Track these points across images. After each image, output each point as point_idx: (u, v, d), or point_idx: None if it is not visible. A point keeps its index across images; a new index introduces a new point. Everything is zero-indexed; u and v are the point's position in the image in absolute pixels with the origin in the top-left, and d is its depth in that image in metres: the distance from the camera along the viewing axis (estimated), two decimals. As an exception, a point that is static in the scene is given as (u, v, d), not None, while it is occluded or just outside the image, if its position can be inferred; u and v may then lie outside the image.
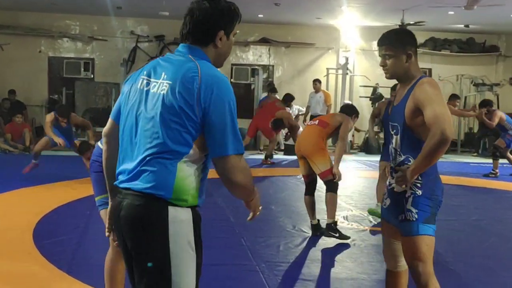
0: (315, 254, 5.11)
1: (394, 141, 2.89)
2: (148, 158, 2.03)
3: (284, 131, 13.96)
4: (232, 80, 15.37)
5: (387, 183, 3.07)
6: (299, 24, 14.79)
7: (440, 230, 6.12)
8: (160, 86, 2.07)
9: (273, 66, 15.65)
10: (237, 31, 2.21)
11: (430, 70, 16.13)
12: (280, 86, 15.04)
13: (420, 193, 2.83)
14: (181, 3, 12.92)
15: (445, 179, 9.10)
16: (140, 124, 2.09)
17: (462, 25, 14.44)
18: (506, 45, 16.19)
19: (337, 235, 5.37)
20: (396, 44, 2.85)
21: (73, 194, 7.34)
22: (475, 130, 15.39)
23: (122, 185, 2.11)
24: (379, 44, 2.90)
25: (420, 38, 15.81)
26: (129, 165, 2.10)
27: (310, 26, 14.91)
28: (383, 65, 2.88)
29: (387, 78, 2.94)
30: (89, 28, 14.71)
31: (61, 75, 14.77)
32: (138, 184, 2.04)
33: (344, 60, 14.44)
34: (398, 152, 2.89)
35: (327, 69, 14.79)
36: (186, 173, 2.04)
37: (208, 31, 2.13)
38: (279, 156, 12.64)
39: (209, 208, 6.53)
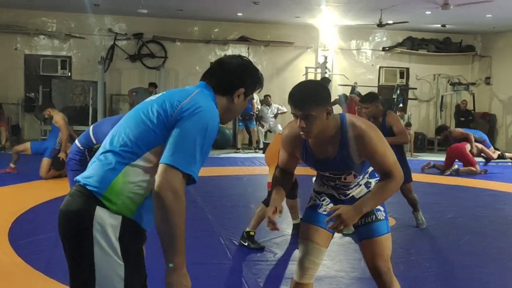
0: (294, 253, 5.12)
1: (347, 178, 2.84)
2: (100, 152, 2.05)
3: (263, 130, 14.02)
4: (211, 78, 15.35)
5: (319, 189, 3.00)
6: (278, 23, 14.82)
7: (415, 227, 6.20)
8: (156, 96, 2.13)
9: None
10: (253, 98, 2.24)
11: (408, 69, 16.29)
12: (259, 84, 15.06)
13: None
14: (159, 1, 12.86)
15: (421, 177, 9.24)
16: (125, 120, 2.12)
17: (439, 25, 14.60)
18: (482, 45, 16.42)
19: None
20: (316, 105, 2.55)
21: (50, 193, 7.26)
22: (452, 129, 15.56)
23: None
24: (295, 106, 2.57)
25: (398, 38, 15.98)
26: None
27: (289, 25, 14.95)
28: (303, 126, 2.58)
29: (307, 139, 2.70)
30: (66, 26, 14.55)
31: (37, 73, 14.57)
32: (82, 175, 2.04)
33: (323, 59, 14.50)
34: (355, 181, 2.88)
35: (306, 68, 14.84)
36: (129, 179, 1.96)
37: (232, 84, 2.17)
38: (259, 155, 12.64)
39: (188, 207, 6.50)
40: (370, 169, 2.91)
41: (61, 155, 8.37)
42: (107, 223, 1.94)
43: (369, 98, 5.76)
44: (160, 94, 2.15)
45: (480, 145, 10.90)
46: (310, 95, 2.57)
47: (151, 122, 1.99)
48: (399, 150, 5.69)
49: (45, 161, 8.45)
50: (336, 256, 4.97)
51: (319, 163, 2.81)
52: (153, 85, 13.17)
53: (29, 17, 14.24)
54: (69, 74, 14.75)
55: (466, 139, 10.73)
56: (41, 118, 13.65)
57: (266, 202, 5.04)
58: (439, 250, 5.38)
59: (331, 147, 2.71)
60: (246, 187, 8.52)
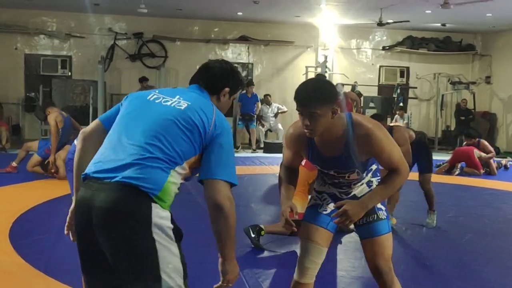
0: (295, 252, 5.12)
1: (350, 176, 2.83)
2: (144, 156, 2.12)
3: (263, 129, 14.02)
4: (211, 78, 15.35)
5: (320, 188, 2.97)
6: (278, 22, 14.81)
7: (417, 227, 6.20)
8: (176, 102, 2.26)
9: (252, 64, 15.64)
10: (235, 97, 2.55)
11: (408, 68, 16.29)
12: (259, 84, 15.06)
13: None
14: (159, 0, 12.83)
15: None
16: (142, 126, 2.19)
17: (439, 24, 14.59)
18: (482, 44, 16.41)
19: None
20: (322, 103, 2.54)
21: (51, 193, 7.26)
22: (452, 128, 15.57)
23: (99, 175, 2.11)
24: (301, 103, 2.57)
25: (398, 37, 15.98)
26: (113, 159, 2.13)
27: (289, 24, 14.94)
28: (307, 124, 2.57)
29: (311, 137, 2.69)
30: (66, 25, 14.55)
31: (38, 73, 14.57)
32: (124, 175, 2.07)
33: (323, 58, 14.50)
34: (358, 179, 2.86)
35: (306, 67, 14.83)
36: (174, 181, 2.17)
37: (218, 84, 2.43)
38: (259, 155, 12.65)
39: (188, 206, 6.50)
40: (374, 167, 2.91)
41: (51, 158, 8.20)
42: (162, 215, 2.13)
43: (376, 118, 5.79)
44: (184, 101, 2.27)
45: (489, 158, 10.89)
46: (315, 93, 2.55)
47: (191, 135, 2.19)
48: (423, 144, 5.72)
49: (34, 157, 8.49)
50: (336, 255, 4.97)
51: (325, 161, 2.80)
52: (144, 79, 13.21)
53: (29, 16, 14.23)
54: (69, 73, 14.75)
55: (476, 146, 10.80)
56: (42, 118, 13.64)
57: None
58: (439, 249, 5.38)
59: (337, 146, 2.70)
60: (247, 186, 8.52)
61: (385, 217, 2.85)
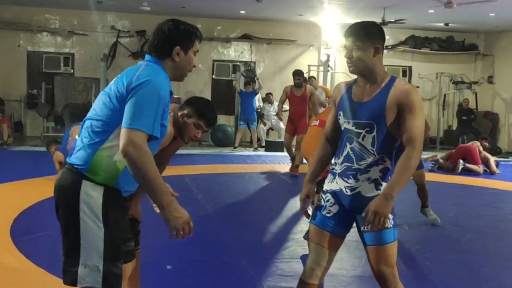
0: (295, 250, 5.13)
1: (364, 140, 2.71)
2: (82, 137, 2.42)
3: (265, 128, 14.02)
4: (213, 76, 15.35)
5: (327, 186, 2.87)
6: (281, 20, 14.81)
7: (417, 226, 6.21)
8: (114, 79, 2.48)
9: (254, 62, 15.64)
10: (197, 49, 2.51)
11: (410, 67, 16.27)
12: (262, 82, 15.06)
13: None
14: (162, -1, 12.51)
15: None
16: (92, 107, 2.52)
17: (442, 24, 14.57)
18: (485, 44, 16.39)
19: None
20: (364, 36, 2.69)
21: (52, 190, 7.27)
22: (454, 127, 15.56)
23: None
24: (346, 35, 2.74)
25: (401, 36, 15.95)
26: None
27: (291, 22, 14.94)
28: (349, 56, 2.71)
29: (351, 71, 2.77)
30: (69, 23, 14.56)
31: (40, 70, 14.59)
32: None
33: (326, 57, 14.48)
34: (371, 152, 2.70)
35: (309, 66, 14.83)
36: (106, 153, 2.33)
37: (166, 47, 2.46)
38: (260, 153, 12.65)
39: (189, 204, 6.51)
40: (388, 162, 2.72)
41: None
42: (90, 194, 2.32)
43: None
44: (118, 76, 2.47)
45: (490, 156, 10.89)
46: (360, 28, 2.71)
47: (113, 103, 2.34)
48: None
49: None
50: (337, 254, 4.97)
51: (351, 106, 2.76)
52: None
53: (32, 14, 14.25)
54: (72, 71, 14.77)
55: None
56: (44, 115, 13.68)
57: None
58: (439, 249, 5.39)
59: (371, 91, 2.72)
60: (248, 184, 8.53)
61: (391, 226, 2.74)
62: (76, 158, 2.37)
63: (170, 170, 3.49)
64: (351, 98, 2.78)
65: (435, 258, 5.02)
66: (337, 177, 2.81)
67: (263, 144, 13.58)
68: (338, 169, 2.81)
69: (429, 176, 9.62)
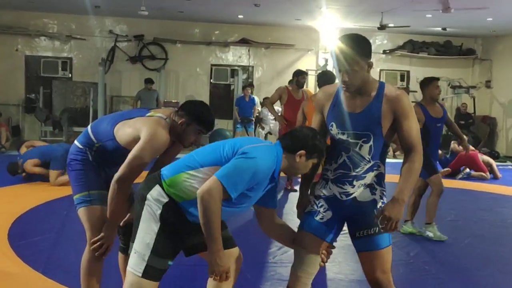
0: (293, 254, 5.11)
1: (361, 149, 2.72)
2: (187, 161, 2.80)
3: (263, 132, 14.01)
4: (211, 80, 15.35)
5: (319, 192, 2.85)
6: (279, 25, 14.83)
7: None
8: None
9: (252, 67, 15.66)
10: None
11: (408, 72, 16.29)
12: (260, 87, 15.07)
13: (385, 201, 2.74)
14: (160, 3, 12.78)
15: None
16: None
17: (440, 28, 14.61)
18: (482, 48, 16.42)
19: None
20: (360, 57, 2.66)
21: (50, 194, 7.26)
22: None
23: None
24: (339, 61, 2.68)
25: (399, 41, 15.98)
26: None
27: (289, 27, 14.96)
28: (346, 80, 2.67)
29: (349, 92, 2.72)
30: (67, 27, 14.56)
31: (38, 74, 14.58)
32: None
33: (324, 62, 14.50)
34: (367, 160, 2.72)
35: (307, 70, 14.83)
36: (187, 177, 2.67)
37: (296, 146, 2.77)
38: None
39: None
40: (381, 168, 2.75)
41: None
42: (158, 193, 2.67)
43: None
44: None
45: (492, 161, 10.90)
46: (353, 49, 2.66)
47: (220, 154, 2.68)
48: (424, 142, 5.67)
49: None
50: (334, 259, 4.96)
51: (344, 118, 2.74)
52: (149, 82, 13.17)
53: (30, 18, 14.25)
54: (70, 75, 14.75)
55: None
56: (42, 119, 13.67)
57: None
58: (438, 253, 5.38)
59: (363, 102, 2.71)
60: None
61: None
62: (167, 169, 2.72)
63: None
64: (343, 108, 2.75)
65: (433, 262, 5.01)
66: (330, 183, 2.81)
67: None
68: (330, 175, 2.81)
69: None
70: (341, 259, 4.96)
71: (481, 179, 10.27)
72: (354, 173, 2.73)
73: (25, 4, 13.01)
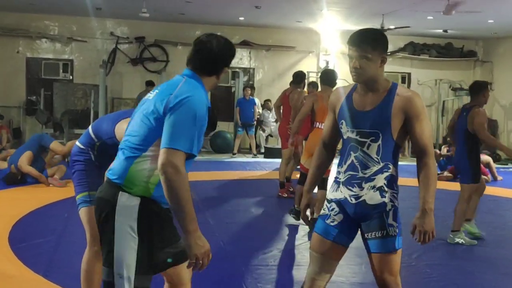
0: (296, 257, 5.11)
1: (369, 149, 2.68)
2: (121, 151, 2.46)
3: (264, 134, 14.01)
4: (212, 82, 15.32)
5: (331, 195, 2.83)
6: (280, 27, 14.83)
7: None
8: (151, 94, 2.49)
9: (253, 69, 15.66)
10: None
11: (409, 74, 16.29)
12: (261, 89, 15.07)
13: (397, 204, 2.74)
14: (162, 5, 12.80)
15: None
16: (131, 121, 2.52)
17: (441, 30, 14.60)
18: (484, 51, 16.41)
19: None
20: (374, 46, 2.65)
21: (50, 196, 7.25)
22: (453, 134, 15.54)
23: None
24: (352, 44, 2.68)
25: (400, 43, 15.97)
26: None
27: (290, 29, 14.96)
28: (356, 66, 2.66)
29: (355, 81, 2.74)
30: (68, 29, 14.57)
31: (39, 76, 14.58)
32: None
33: (325, 64, 14.50)
34: (376, 160, 2.68)
35: (308, 72, 14.82)
36: (141, 167, 2.36)
37: (217, 67, 2.55)
38: (260, 159, 12.63)
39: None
40: (392, 169, 2.70)
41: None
42: (126, 205, 2.34)
43: None
44: (155, 92, 2.47)
45: (489, 159, 10.87)
46: (369, 38, 2.67)
47: (151, 122, 2.36)
48: (475, 147, 5.61)
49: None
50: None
51: (353, 115, 2.72)
52: (150, 84, 13.16)
53: (31, 20, 14.26)
54: (71, 77, 14.75)
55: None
56: (43, 121, 13.66)
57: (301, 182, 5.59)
58: (440, 256, 5.36)
59: (373, 100, 2.70)
60: (247, 191, 8.50)
61: (396, 234, 2.72)
62: (113, 172, 2.42)
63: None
64: (353, 106, 2.74)
65: (435, 265, 5.00)
66: (341, 185, 2.79)
67: (262, 150, 13.56)
68: (341, 178, 2.79)
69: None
70: (343, 262, 4.92)
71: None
72: (362, 175, 2.70)
73: (26, 6, 13.02)
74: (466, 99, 15.36)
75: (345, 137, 2.77)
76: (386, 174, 2.70)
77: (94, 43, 14.69)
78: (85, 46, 14.65)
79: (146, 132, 2.36)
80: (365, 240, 2.79)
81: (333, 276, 4.50)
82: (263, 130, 13.94)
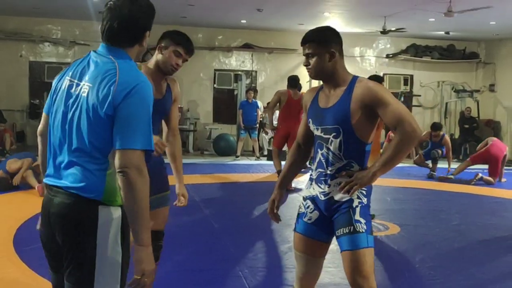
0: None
1: (332, 145, 2.69)
2: (75, 159, 2.07)
3: (267, 137, 14.02)
4: (215, 85, 15.36)
5: (306, 193, 2.86)
6: (282, 30, 14.85)
7: (420, 235, 6.19)
8: (82, 88, 2.11)
9: (256, 71, 15.68)
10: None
11: (412, 76, 16.29)
12: (263, 91, 15.08)
13: (366, 202, 2.71)
14: (164, 8, 12.81)
15: (426, 184, 9.18)
16: (67, 123, 2.11)
17: (443, 32, 14.61)
18: (486, 52, 16.40)
19: None
20: (318, 43, 2.70)
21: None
22: (456, 136, 15.55)
23: (50, 182, 2.17)
24: (302, 43, 2.78)
25: (402, 45, 15.99)
26: (57, 162, 2.14)
27: (292, 32, 14.96)
28: (306, 64, 2.76)
29: (311, 77, 2.82)
30: (71, 33, 14.62)
31: (42, 80, 14.63)
32: (66, 183, 2.09)
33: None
34: (338, 157, 2.69)
35: (310, 74, 14.85)
36: (114, 175, 2.05)
37: (136, 34, 2.15)
38: (263, 162, 12.65)
39: (191, 213, 6.51)
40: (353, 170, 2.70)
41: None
42: (111, 218, 2.06)
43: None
44: (84, 84, 2.12)
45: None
46: (314, 35, 2.74)
47: (103, 124, 2.02)
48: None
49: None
50: (341, 263, 4.95)
51: (318, 113, 2.76)
52: None
53: (34, 24, 14.31)
54: (74, 81, 14.78)
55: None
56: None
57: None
58: (443, 258, 5.36)
59: (335, 96, 2.72)
60: (250, 194, 8.52)
61: (364, 231, 2.64)
62: (83, 188, 2.05)
63: (172, 179, 3.50)
64: (318, 104, 2.79)
65: (438, 267, 4.99)
66: (313, 183, 2.83)
67: (265, 153, 13.57)
68: (313, 175, 2.83)
69: (433, 185, 9.61)
70: (338, 263, 4.95)
71: (488, 183, 10.21)
72: (328, 172, 2.72)
73: (29, 10, 13.07)
74: (469, 101, 15.40)
75: (314, 134, 2.82)
76: (355, 170, 2.69)
77: (96, 46, 14.51)
78: (88, 50, 14.36)
79: (100, 136, 2.03)
80: (337, 239, 2.74)
81: (338, 279, 4.53)
82: (266, 133, 13.95)
